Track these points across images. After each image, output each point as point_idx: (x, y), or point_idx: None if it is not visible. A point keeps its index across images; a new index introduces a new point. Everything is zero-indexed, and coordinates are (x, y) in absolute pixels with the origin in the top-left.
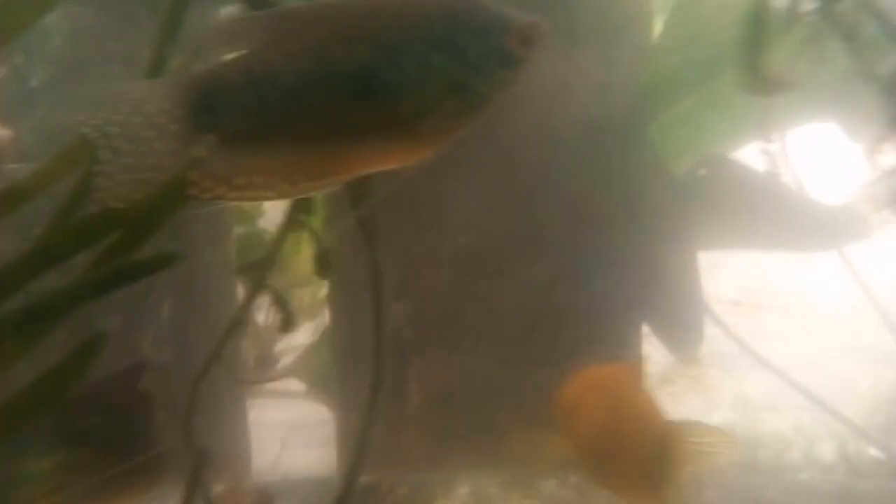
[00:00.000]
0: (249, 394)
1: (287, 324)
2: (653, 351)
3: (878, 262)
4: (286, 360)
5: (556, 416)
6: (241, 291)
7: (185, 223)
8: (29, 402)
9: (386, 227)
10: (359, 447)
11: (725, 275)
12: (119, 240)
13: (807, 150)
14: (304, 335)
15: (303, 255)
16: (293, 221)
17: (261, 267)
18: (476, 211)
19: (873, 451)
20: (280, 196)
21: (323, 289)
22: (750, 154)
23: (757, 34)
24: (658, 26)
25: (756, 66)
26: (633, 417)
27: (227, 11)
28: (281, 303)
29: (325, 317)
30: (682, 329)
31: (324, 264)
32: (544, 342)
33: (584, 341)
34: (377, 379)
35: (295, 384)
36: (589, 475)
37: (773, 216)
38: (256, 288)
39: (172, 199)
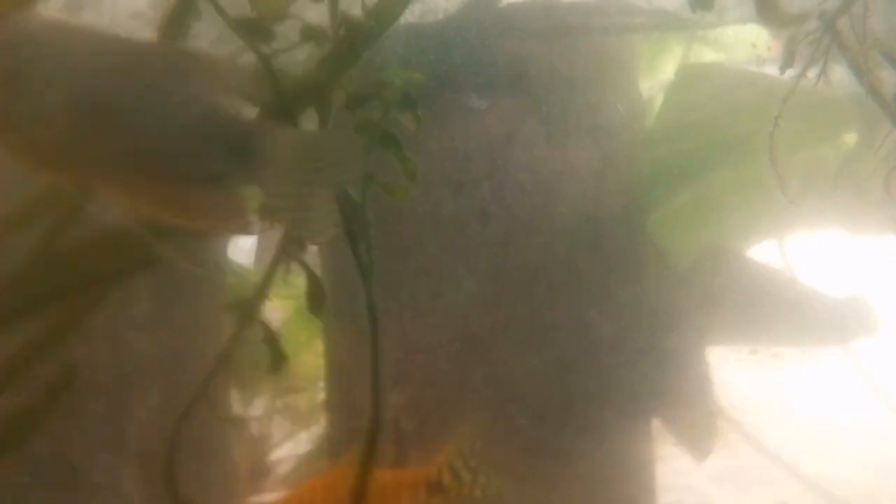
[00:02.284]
0: None
1: (277, 363)
2: None
3: (887, 359)
4: (281, 471)
5: None
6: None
7: (175, 312)
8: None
9: (382, 314)
10: None
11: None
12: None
13: (809, 249)
14: (300, 445)
15: (300, 358)
16: (284, 253)
17: (250, 302)
18: (474, 296)
19: None
20: None
21: (320, 394)
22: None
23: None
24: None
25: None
26: None
27: None
28: (270, 340)
29: (322, 424)
30: (693, 427)
31: (317, 298)
32: (550, 432)
33: (591, 434)
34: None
35: None
36: None
37: (778, 310)
38: (244, 322)
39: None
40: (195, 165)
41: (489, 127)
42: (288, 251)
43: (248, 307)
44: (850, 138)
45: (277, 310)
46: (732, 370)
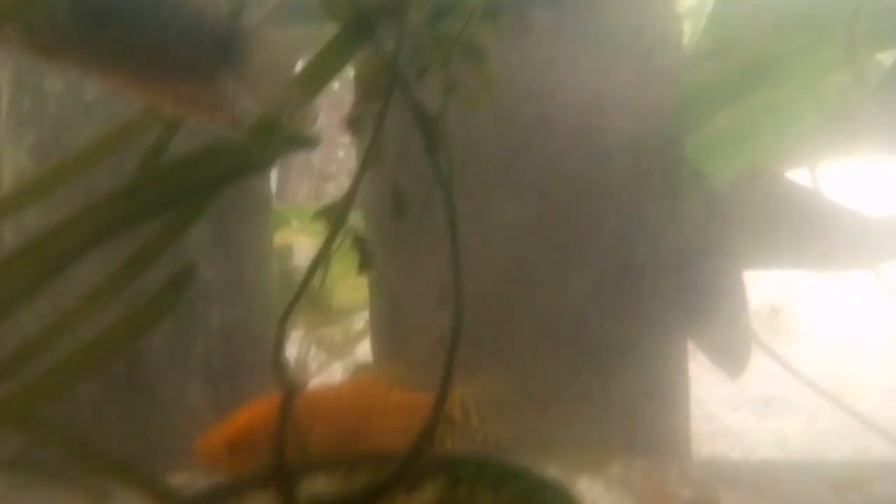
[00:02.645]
0: None
1: (365, 263)
2: None
3: None
4: None
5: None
6: (281, 307)
7: (231, 242)
8: (116, 337)
9: (428, 235)
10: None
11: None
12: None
13: (844, 170)
14: (335, 374)
15: (335, 291)
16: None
17: (341, 207)
18: (517, 221)
19: None
20: None
21: (354, 326)
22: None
23: None
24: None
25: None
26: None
27: None
28: (359, 242)
29: (356, 355)
30: (728, 347)
31: (399, 201)
32: (590, 352)
33: (629, 353)
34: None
35: None
36: None
37: (815, 233)
38: (336, 229)
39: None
40: (188, 61)
41: (529, 52)
42: (365, 165)
43: (339, 212)
44: (885, 57)
45: (309, 248)
46: (762, 292)
